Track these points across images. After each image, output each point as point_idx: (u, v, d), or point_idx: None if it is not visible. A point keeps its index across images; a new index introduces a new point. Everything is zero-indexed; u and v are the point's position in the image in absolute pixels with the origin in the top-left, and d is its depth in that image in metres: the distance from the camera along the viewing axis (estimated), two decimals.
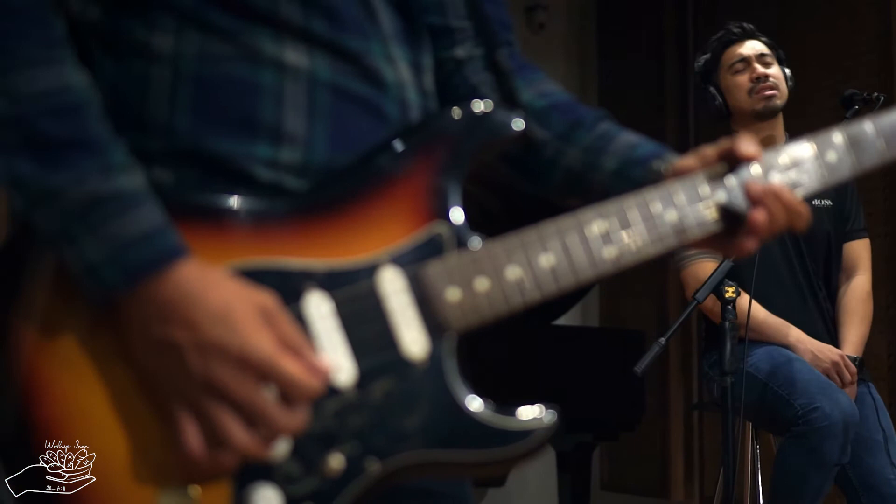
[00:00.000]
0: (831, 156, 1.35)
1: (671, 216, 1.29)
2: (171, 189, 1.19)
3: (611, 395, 4.61)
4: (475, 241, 1.25)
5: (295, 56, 1.25)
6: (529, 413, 1.24)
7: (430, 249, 1.24)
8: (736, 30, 3.86)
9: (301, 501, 1.16)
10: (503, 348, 4.53)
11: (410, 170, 1.26)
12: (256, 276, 1.18)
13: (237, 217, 1.19)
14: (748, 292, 3.45)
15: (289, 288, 1.18)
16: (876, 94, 3.66)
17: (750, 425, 3.86)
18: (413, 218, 1.24)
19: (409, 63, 1.35)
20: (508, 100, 1.36)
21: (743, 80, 3.77)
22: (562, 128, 1.44)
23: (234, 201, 1.20)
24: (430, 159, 1.26)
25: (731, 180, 1.30)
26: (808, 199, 1.33)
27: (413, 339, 1.21)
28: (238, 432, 1.12)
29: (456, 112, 1.29)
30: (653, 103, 5.71)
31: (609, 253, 1.26)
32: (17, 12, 1.14)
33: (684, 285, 3.76)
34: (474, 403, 1.23)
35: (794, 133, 3.66)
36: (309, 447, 1.17)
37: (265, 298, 1.14)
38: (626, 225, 1.26)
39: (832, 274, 3.80)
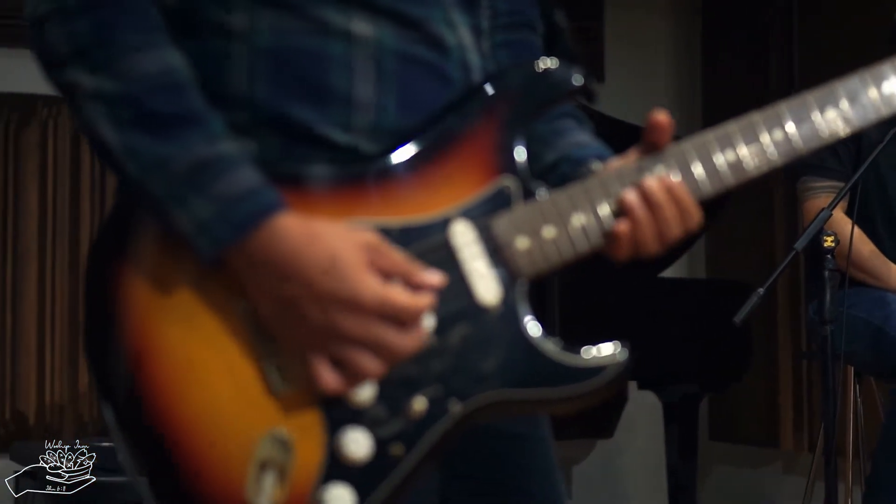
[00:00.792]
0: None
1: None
2: (256, 157, 1.29)
3: (717, 346, 4.63)
4: (541, 192, 1.33)
5: (361, 26, 1.33)
6: (601, 350, 1.31)
7: (499, 202, 1.32)
8: None
9: (389, 442, 1.26)
10: (610, 300, 4.58)
11: (477, 128, 1.33)
12: None
13: (317, 184, 1.29)
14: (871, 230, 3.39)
15: None
16: None
17: (852, 373, 3.84)
18: (481, 174, 1.32)
19: (469, 27, 1.43)
20: (566, 57, 1.42)
21: None
22: None
23: (313, 169, 1.30)
24: (495, 117, 1.34)
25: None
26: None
27: (486, 287, 1.30)
28: (368, 363, 1.24)
29: (518, 70, 1.37)
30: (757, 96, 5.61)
31: None
32: (120, 2, 1.26)
33: (803, 221, 3.69)
34: (547, 344, 1.31)
35: None
36: (394, 391, 1.26)
37: (366, 235, 1.25)
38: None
39: None
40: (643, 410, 5.20)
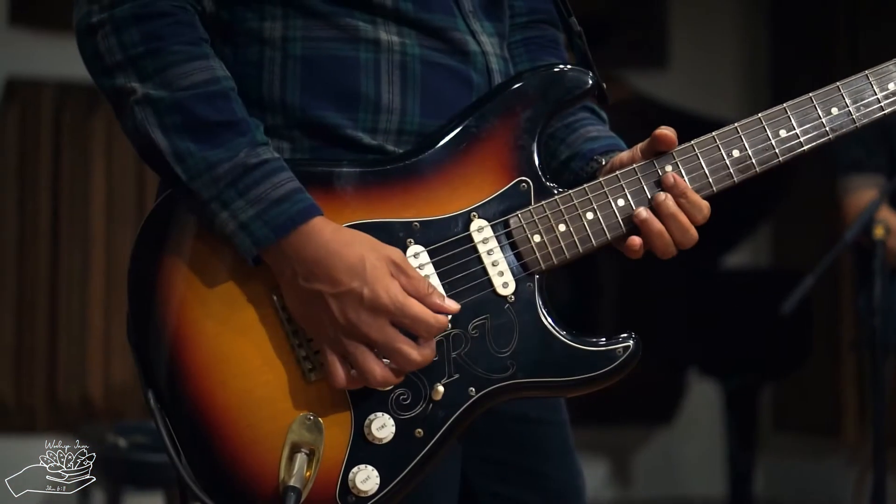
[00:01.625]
0: None
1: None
2: (289, 158, 1.38)
3: (775, 335, 4.64)
4: (555, 191, 1.42)
5: (388, 34, 1.42)
6: (612, 339, 1.40)
7: (516, 199, 1.41)
8: None
9: (411, 426, 1.35)
10: (673, 292, 4.62)
11: (494, 130, 1.42)
12: (365, 231, 1.36)
13: (346, 182, 1.38)
14: None
15: (392, 241, 1.36)
16: None
17: None
18: (499, 174, 1.41)
19: (491, 34, 1.50)
20: (582, 59, 1.49)
21: None
22: None
23: (341, 171, 1.38)
24: (512, 119, 1.42)
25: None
26: None
27: (503, 280, 1.39)
28: (375, 366, 1.32)
29: (534, 73, 1.45)
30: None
31: None
32: (169, 15, 1.35)
33: (844, 217, 3.70)
34: (561, 334, 1.39)
35: None
36: (416, 378, 1.36)
37: (393, 251, 1.34)
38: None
39: None
40: (704, 400, 5.23)
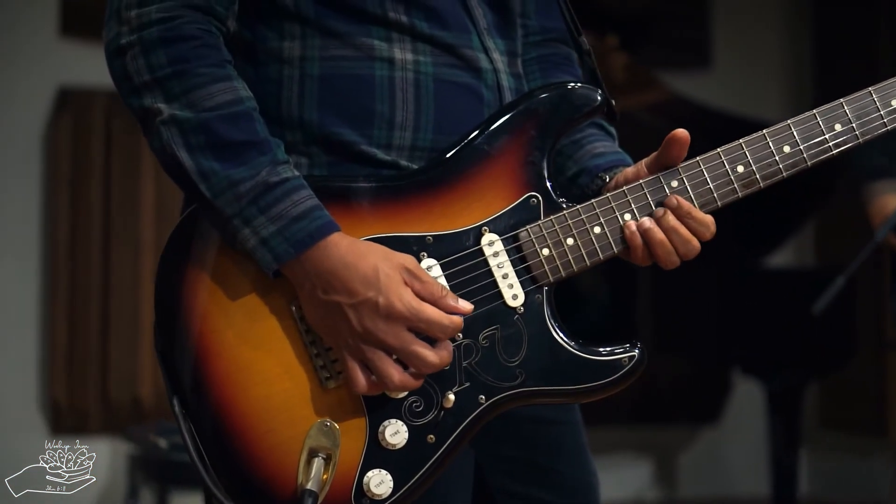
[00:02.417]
0: None
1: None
2: (307, 174, 1.44)
3: (816, 335, 4.63)
4: (563, 206, 1.47)
5: (402, 52, 1.47)
6: (617, 349, 1.45)
7: (526, 215, 1.46)
8: None
9: (423, 432, 1.41)
10: (710, 291, 4.63)
11: (506, 147, 1.47)
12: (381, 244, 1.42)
13: (362, 197, 1.44)
14: None
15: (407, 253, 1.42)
16: None
17: None
18: (510, 189, 1.46)
19: (503, 51, 1.55)
20: (591, 77, 1.53)
21: None
22: None
23: (358, 186, 1.44)
24: (523, 136, 1.47)
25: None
26: None
27: (513, 293, 1.44)
28: (393, 371, 1.38)
29: (543, 91, 1.50)
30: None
31: None
32: (195, 38, 1.41)
33: (871, 221, 3.73)
34: (569, 344, 1.44)
35: None
36: (428, 387, 1.41)
37: (406, 258, 1.40)
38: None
39: None
40: (749, 399, 5.22)
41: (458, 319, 1.39)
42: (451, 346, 1.40)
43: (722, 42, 5.78)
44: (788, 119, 1.48)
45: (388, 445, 1.40)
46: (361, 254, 1.38)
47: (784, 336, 4.70)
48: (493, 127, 1.48)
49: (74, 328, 4.87)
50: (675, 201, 1.45)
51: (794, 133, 1.47)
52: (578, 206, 1.46)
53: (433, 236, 1.44)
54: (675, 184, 1.46)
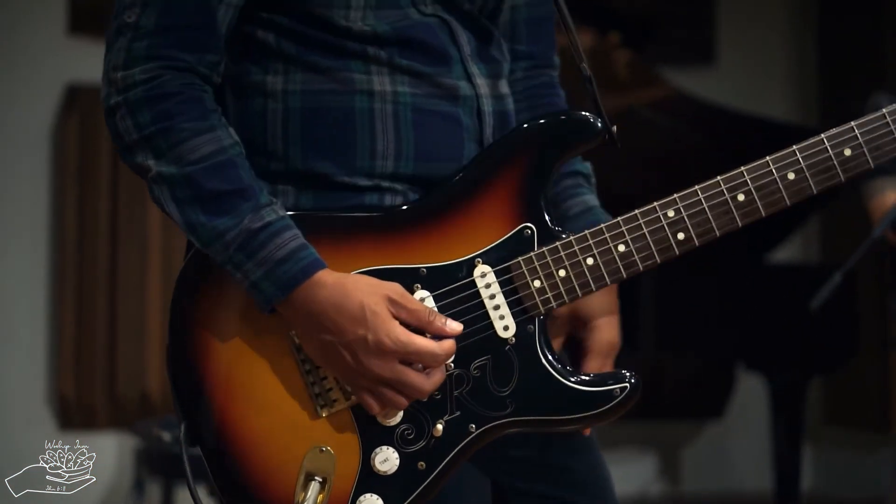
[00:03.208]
0: None
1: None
2: (293, 205, 1.48)
3: (821, 332, 4.64)
4: (557, 237, 1.48)
5: (381, 85, 1.50)
6: (610, 379, 1.47)
7: (519, 246, 1.48)
8: None
9: (414, 459, 1.45)
10: (714, 286, 4.64)
11: (501, 177, 1.49)
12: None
13: (354, 231, 1.47)
14: None
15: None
16: None
17: None
18: (504, 220, 1.49)
19: (486, 74, 1.56)
20: (592, 104, 1.55)
21: None
22: None
23: (350, 217, 1.47)
24: (519, 166, 1.49)
25: None
26: None
27: (504, 324, 1.47)
28: (397, 400, 1.43)
29: (538, 120, 1.52)
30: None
31: None
32: (177, 94, 1.44)
33: (870, 218, 3.73)
34: (560, 374, 1.47)
35: None
36: (420, 415, 1.45)
37: (391, 287, 1.43)
38: None
39: None
40: (754, 394, 5.24)
41: (448, 345, 1.42)
42: (443, 368, 1.43)
43: (726, 39, 5.78)
44: (794, 146, 1.46)
45: (379, 472, 1.44)
46: (347, 292, 1.42)
47: (788, 332, 4.72)
48: (489, 157, 1.50)
49: (82, 324, 4.92)
50: None
51: (801, 160, 1.46)
52: (572, 238, 1.48)
53: (427, 268, 1.47)
54: (671, 214, 1.47)
